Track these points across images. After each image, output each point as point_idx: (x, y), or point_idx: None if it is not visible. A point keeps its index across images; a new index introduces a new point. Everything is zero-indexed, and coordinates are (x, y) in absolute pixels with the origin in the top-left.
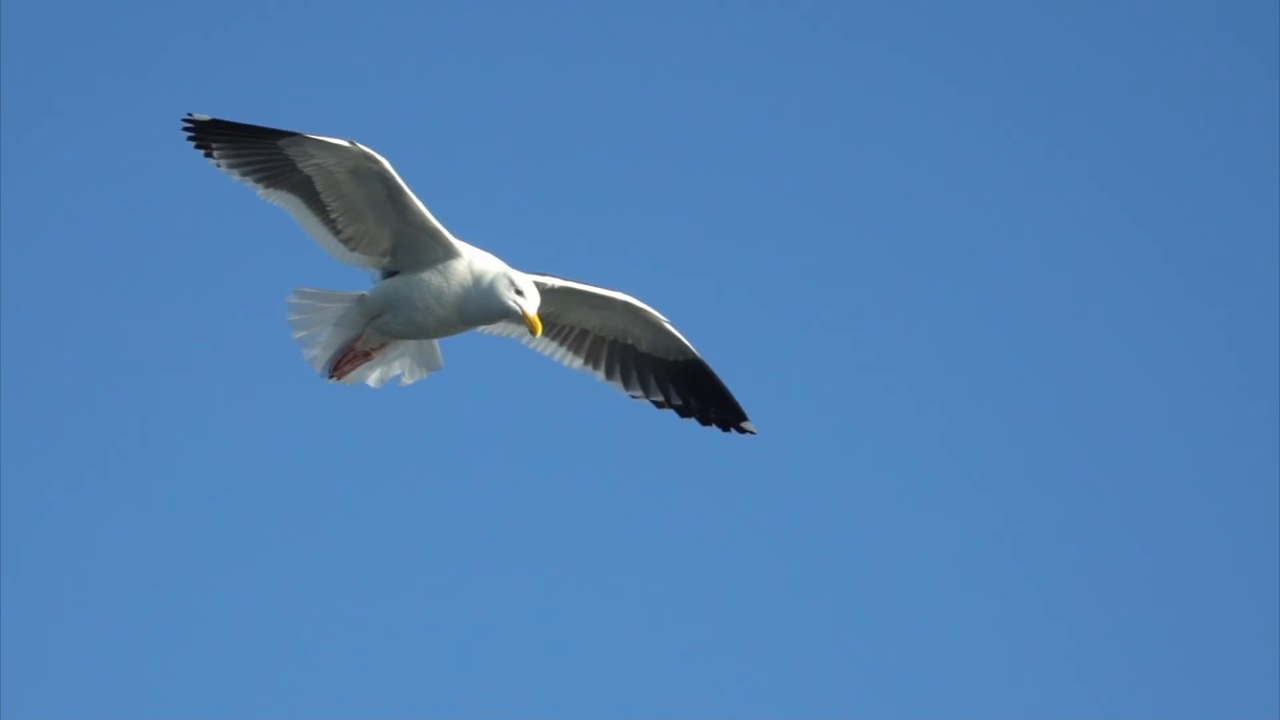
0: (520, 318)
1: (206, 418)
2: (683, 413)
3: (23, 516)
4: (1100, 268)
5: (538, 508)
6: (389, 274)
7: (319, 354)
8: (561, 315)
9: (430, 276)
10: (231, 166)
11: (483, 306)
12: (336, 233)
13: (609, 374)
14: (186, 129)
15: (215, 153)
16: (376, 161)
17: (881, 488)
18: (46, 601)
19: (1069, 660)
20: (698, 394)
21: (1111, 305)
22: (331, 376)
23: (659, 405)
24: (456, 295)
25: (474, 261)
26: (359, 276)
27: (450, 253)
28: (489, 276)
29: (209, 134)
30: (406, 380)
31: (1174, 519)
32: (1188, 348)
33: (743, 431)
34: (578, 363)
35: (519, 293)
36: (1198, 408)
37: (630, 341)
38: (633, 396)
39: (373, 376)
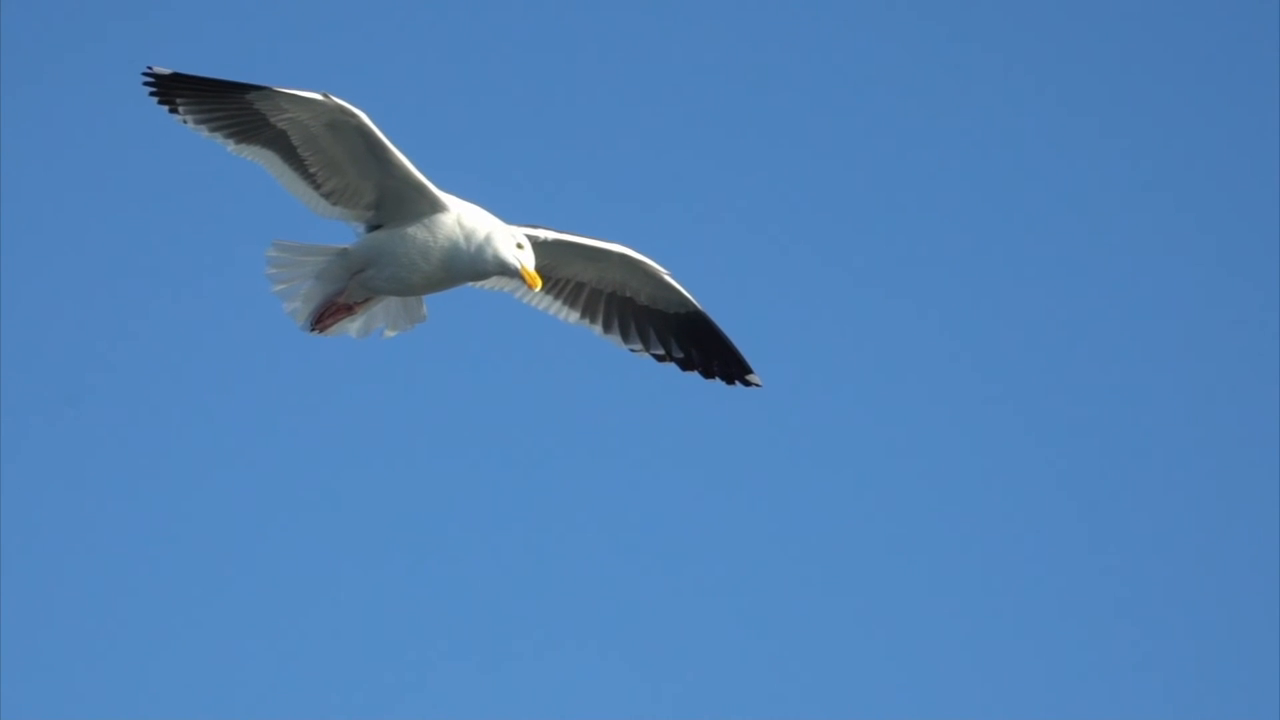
0: (516, 273)
1: (193, 402)
2: (684, 366)
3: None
4: (1124, 241)
5: (539, 478)
6: (373, 228)
7: (300, 306)
8: (557, 269)
9: (416, 231)
10: (199, 123)
11: (472, 263)
12: (317, 187)
13: (607, 327)
14: (148, 83)
15: (180, 108)
16: (353, 115)
17: (890, 456)
18: (38, 598)
19: (1070, 659)
20: (700, 347)
21: (1135, 287)
22: (313, 329)
23: (659, 359)
24: (444, 251)
25: (462, 216)
26: (340, 230)
27: (436, 207)
28: (480, 232)
29: (172, 88)
30: (390, 333)
31: (1186, 512)
32: (1189, 345)
33: (748, 384)
34: (574, 316)
35: (518, 244)
36: (1211, 405)
37: (629, 294)
38: (632, 350)
39: (354, 327)
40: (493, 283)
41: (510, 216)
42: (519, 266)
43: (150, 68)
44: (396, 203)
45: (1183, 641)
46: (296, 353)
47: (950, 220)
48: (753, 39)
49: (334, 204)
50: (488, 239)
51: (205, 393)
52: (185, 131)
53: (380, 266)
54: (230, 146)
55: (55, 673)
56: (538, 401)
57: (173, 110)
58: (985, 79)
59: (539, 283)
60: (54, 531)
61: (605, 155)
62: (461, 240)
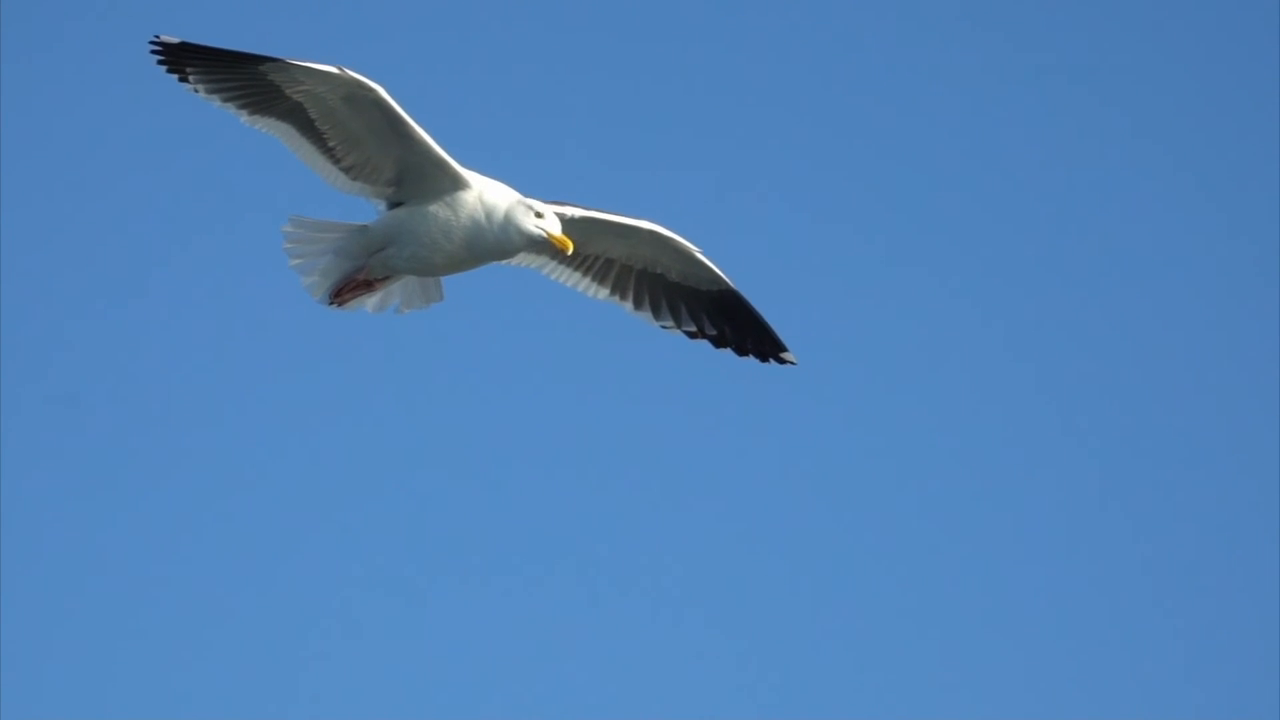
0: (545, 243)
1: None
2: (717, 343)
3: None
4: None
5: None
6: (393, 205)
7: (318, 280)
8: (585, 245)
9: (437, 209)
10: (211, 92)
11: (497, 241)
12: (336, 161)
13: (638, 304)
14: (155, 52)
15: (191, 78)
16: (370, 89)
17: (922, 434)
18: (40, 599)
19: (1073, 658)
20: (733, 324)
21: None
22: (331, 303)
23: (692, 335)
24: (466, 229)
25: (485, 193)
26: (359, 207)
27: (459, 184)
28: (502, 208)
29: (181, 57)
30: (404, 310)
31: (1189, 512)
32: (1190, 341)
33: (782, 362)
34: (603, 293)
35: (538, 215)
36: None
37: (659, 271)
38: (664, 327)
39: (370, 303)
40: (520, 259)
41: (536, 192)
42: (545, 235)
43: (158, 36)
44: (417, 179)
45: (1185, 641)
46: (297, 354)
47: (981, 204)
48: (786, 14)
49: (354, 179)
50: (509, 214)
51: (206, 393)
52: (185, 130)
53: (401, 245)
54: (244, 118)
55: (55, 673)
56: (558, 395)
57: (183, 79)
58: (1035, 54)
59: (569, 245)
60: (54, 531)
61: (631, 129)
62: (484, 218)
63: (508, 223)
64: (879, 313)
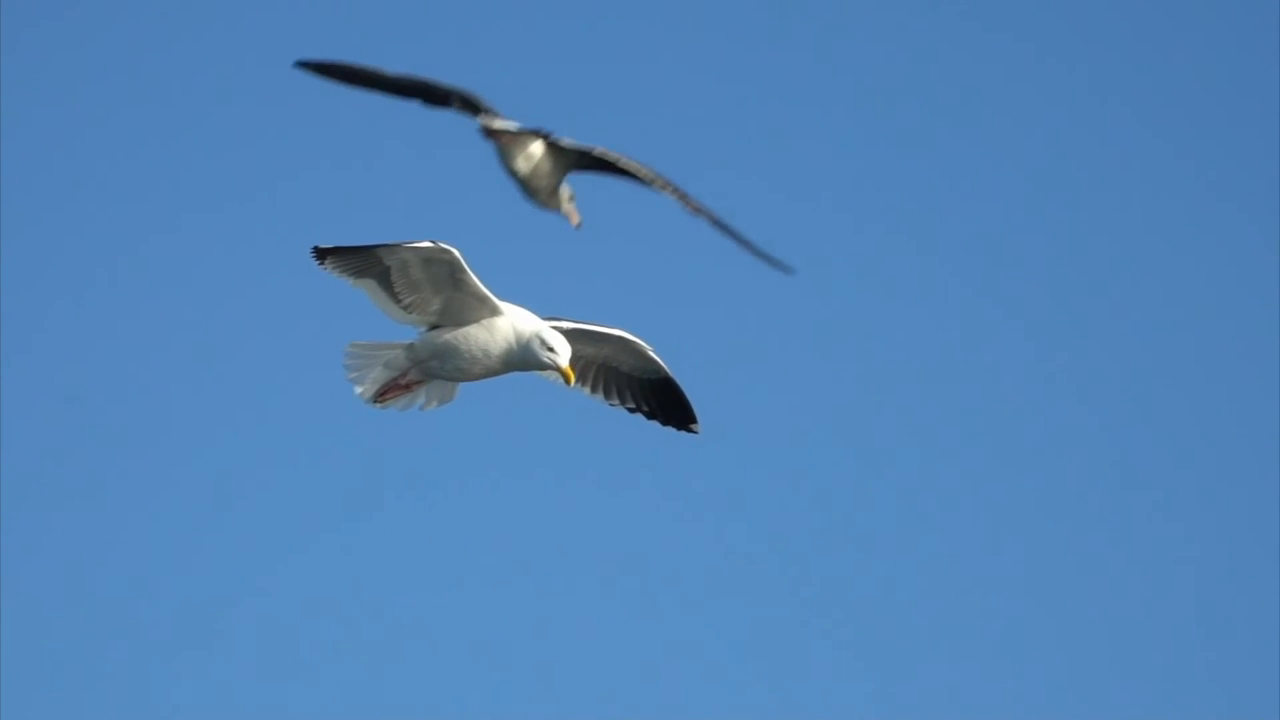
0: (558, 371)
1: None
2: (648, 417)
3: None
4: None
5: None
6: (432, 327)
7: (367, 387)
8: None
9: (476, 332)
10: (334, 269)
11: (523, 360)
12: (398, 302)
13: (593, 390)
14: (312, 255)
15: (328, 263)
16: (449, 253)
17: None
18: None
19: (1069, 658)
20: (659, 402)
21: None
22: (375, 403)
23: (630, 411)
24: (501, 350)
25: (515, 322)
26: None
27: (495, 312)
28: (526, 336)
29: (326, 255)
30: (425, 409)
31: (1186, 513)
32: (1193, 339)
33: (689, 431)
34: (572, 385)
35: (551, 349)
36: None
37: (614, 365)
38: (610, 405)
39: (401, 403)
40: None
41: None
42: (556, 366)
43: (316, 246)
44: (459, 310)
45: (1184, 640)
46: (300, 353)
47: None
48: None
49: (409, 313)
50: (529, 345)
51: (206, 392)
52: (188, 130)
53: (445, 359)
54: (350, 282)
55: (55, 673)
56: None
57: (320, 264)
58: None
59: (573, 378)
60: (54, 531)
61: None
62: (514, 343)
63: (528, 350)
64: (880, 311)
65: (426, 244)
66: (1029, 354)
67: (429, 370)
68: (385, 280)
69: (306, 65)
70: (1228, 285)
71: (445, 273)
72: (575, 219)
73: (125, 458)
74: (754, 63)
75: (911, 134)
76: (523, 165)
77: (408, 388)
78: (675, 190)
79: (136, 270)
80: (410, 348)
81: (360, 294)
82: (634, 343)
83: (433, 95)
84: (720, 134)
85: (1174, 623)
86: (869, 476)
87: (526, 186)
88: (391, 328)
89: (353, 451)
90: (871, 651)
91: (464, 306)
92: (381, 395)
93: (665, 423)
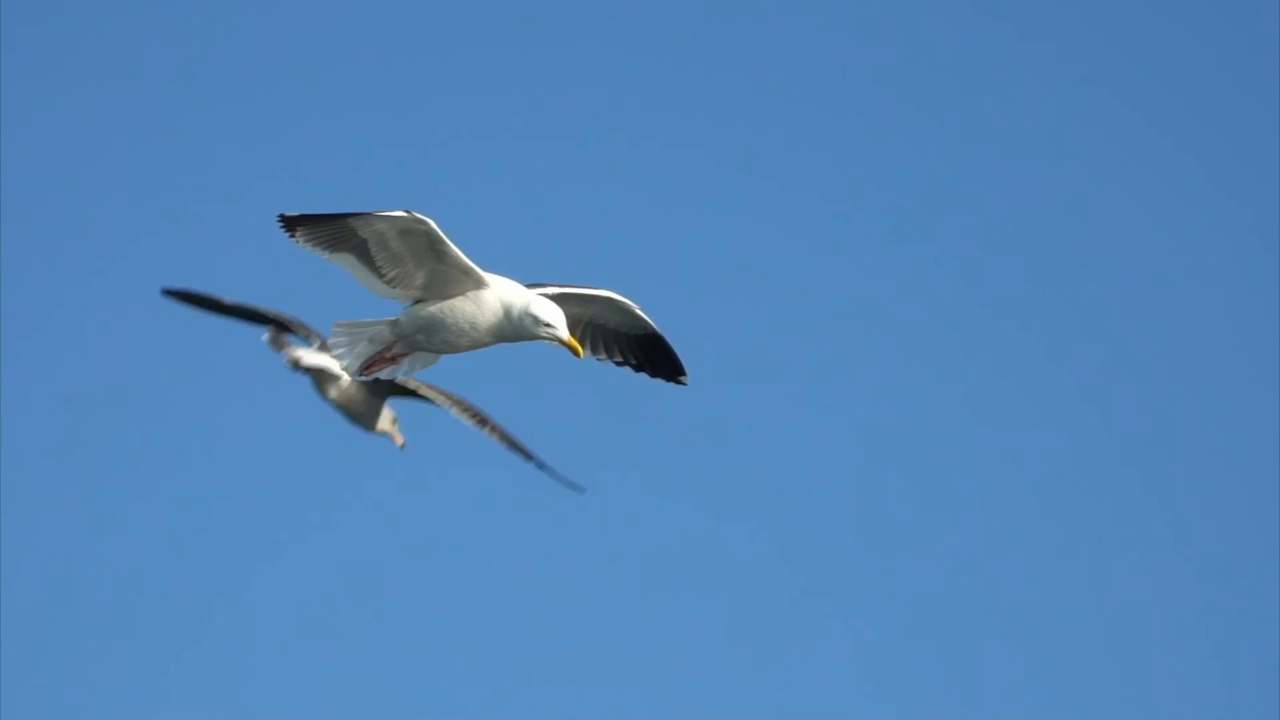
0: (559, 342)
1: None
2: (635, 369)
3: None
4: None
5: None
6: (417, 301)
7: (351, 361)
8: None
9: (462, 304)
10: (306, 242)
11: (516, 332)
12: (380, 276)
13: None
14: (280, 224)
15: (298, 234)
16: (425, 224)
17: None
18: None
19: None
20: (647, 356)
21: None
22: (359, 375)
23: (618, 365)
24: (489, 323)
25: (503, 294)
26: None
27: (480, 284)
28: (517, 309)
29: (295, 225)
30: (410, 373)
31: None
32: (1196, 337)
33: (678, 383)
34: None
35: (547, 324)
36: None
37: (601, 322)
38: (598, 360)
39: (385, 374)
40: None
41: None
42: (556, 340)
43: (282, 214)
44: (443, 282)
45: (1183, 641)
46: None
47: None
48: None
49: (393, 288)
50: (521, 318)
51: (204, 392)
52: (188, 130)
53: (431, 333)
54: (325, 256)
55: (55, 673)
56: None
57: (291, 235)
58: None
59: (581, 351)
60: (54, 531)
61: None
62: (503, 315)
63: (522, 325)
64: (882, 309)
65: (400, 213)
66: (1031, 352)
67: (415, 344)
68: (364, 254)
69: (172, 294)
70: (1227, 286)
71: (424, 244)
72: (399, 440)
73: (125, 457)
74: (753, 62)
75: (912, 134)
76: (334, 393)
77: (393, 360)
78: (475, 415)
79: (136, 270)
80: (395, 323)
81: (345, 280)
82: (621, 302)
83: (257, 319)
84: (720, 134)
85: (1173, 623)
86: (869, 476)
87: (344, 412)
88: (376, 307)
89: (351, 450)
90: (872, 651)
91: (448, 279)
92: (367, 368)
93: (654, 374)
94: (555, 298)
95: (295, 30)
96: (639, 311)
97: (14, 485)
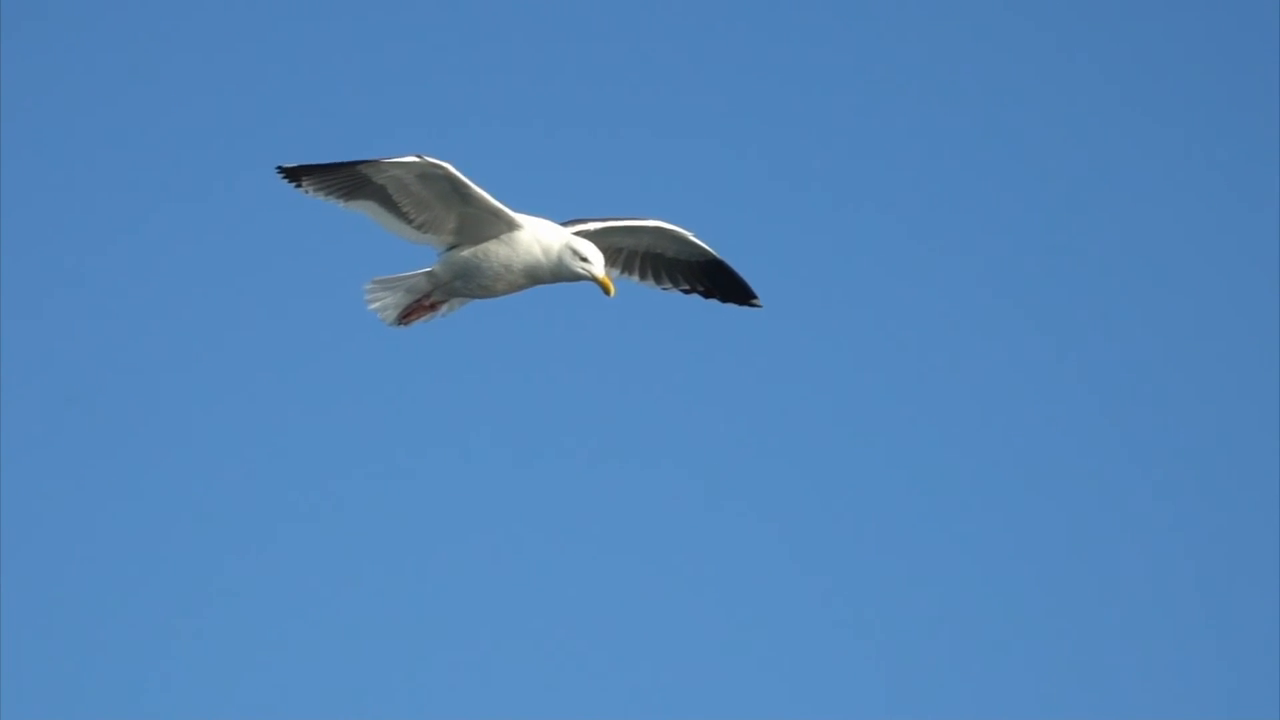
0: (595, 282)
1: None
2: (704, 296)
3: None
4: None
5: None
6: (451, 248)
7: (389, 312)
8: (603, 244)
9: (496, 248)
10: (317, 191)
11: (554, 273)
12: (409, 222)
13: (642, 277)
14: (280, 174)
15: (304, 184)
16: (442, 167)
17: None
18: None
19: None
20: (714, 283)
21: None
22: (399, 324)
23: (685, 293)
24: (526, 264)
25: (538, 234)
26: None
27: (513, 225)
28: (555, 248)
29: (298, 175)
30: (447, 313)
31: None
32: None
33: (752, 306)
34: (615, 273)
35: (585, 259)
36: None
37: (659, 251)
38: (663, 289)
39: (424, 321)
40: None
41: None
42: (591, 277)
43: (280, 165)
44: (476, 226)
45: (1184, 641)
46: (300, 352)
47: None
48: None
49: (424, 233)
50: (561, 256)
51: (205, 391)
52: (188, 130)
53: (468, 279)
54: (341, 205)
55: (55, 673)
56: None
57: (297, 186)
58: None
59: (613, 290)
60: (54, 532)
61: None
62: (540, 255)
63: (560, 264)
64: (884, 307)
65: (412, 158)
66: (1036, 350)
67: (453, 290)
68: (386, 200)
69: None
70: (1229, 285)
71: (448, 188)
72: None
73: (124, 458)
74: (753, 62)
75: (913, 134)
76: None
77: (432, 308)
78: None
79: (136, 270)
80: (431, 273)
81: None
82: (674, 230)
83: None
84: (719, 134)
85: (1178, 622)
86: (870, 474)
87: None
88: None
89: (352, 449)
90: (874, 651)
91: (479, 222)
92: (406, 316)
93: (725, 300)
94: (599, 232)
95: (295, 30)
96: (693, 238)
97: (14, 485)
